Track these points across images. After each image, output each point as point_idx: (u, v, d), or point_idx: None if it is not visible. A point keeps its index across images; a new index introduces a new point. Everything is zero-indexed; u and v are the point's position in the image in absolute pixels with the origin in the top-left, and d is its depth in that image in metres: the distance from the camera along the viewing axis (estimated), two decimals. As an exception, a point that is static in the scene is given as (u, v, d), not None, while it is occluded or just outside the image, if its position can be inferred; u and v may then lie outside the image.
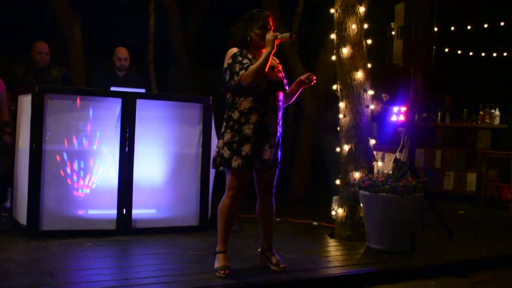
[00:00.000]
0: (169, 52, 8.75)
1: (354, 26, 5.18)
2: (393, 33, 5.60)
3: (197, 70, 8.89)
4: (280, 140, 4.07)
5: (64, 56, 7.69)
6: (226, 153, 3.89)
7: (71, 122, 4.93)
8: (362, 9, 5.23)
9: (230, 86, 3.92)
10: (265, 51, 3.85)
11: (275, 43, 3.85)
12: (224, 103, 4.04)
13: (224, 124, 3.98)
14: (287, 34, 3.85)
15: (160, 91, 7.21)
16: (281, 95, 4.05)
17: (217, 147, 3.97)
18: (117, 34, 8.31)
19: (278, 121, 4.01)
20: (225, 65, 3.94)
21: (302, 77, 4.03)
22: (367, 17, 5.34)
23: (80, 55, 7.52)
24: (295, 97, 4.16)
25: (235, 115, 3.91)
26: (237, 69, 3.84)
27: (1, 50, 7.99)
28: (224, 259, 3.95)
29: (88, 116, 4.98)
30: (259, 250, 4.25)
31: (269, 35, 3.88)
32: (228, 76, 3.91)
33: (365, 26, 5.32)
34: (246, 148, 3.86)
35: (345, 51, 5.20)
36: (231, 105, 3.96)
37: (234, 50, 3.96)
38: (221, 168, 3.96)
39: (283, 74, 4.13)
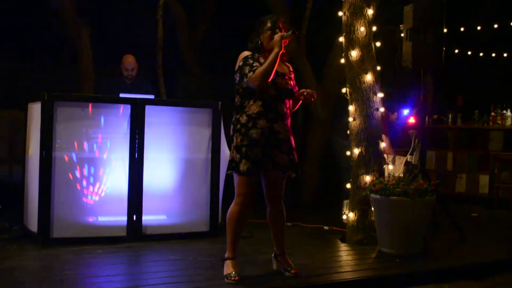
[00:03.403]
0: (178, 58, 8.76)
1: (362, 29, 5.15)
2: (402, 35, 5.57)
3: (206, 75, 8.89)
4: (294, 146, 4.02)
5: (73, 63, 7.75)
6: (236, 156, 3.88)
7: (80, 129, 4.93)
8: (370, 12, 5.20)
9: (240, 88, 3.92)
10: (272, 52, 3.85)
11: (282, 44, 3.86)
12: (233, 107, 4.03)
13: (232, 127, 3.97)
14: (289, 32, 3.87)
15: (169, 97, 7.22)
16: (290, 103, 4.04)
17: (231, 151, 3.96)
18: (126, 40, 8.35)
19: (288, 128, 3.98)
20: (236, 68, 3.94)
21: (305, 91, 3.98)
22: (375, 20, 5.31)
23: (89, 62, 7.53)
24: (295, 108, 4.13)
25: (243, 118, 3.89)
26: (246, 71, 3.84)
27: (10, 58, 8.06)
28: (234, 266, 3.93)
29: (97, 123, 4.98)
30: (273, 255, 4.23)
31: (276, 36, 3.89)
32: (238, 79, 3.91)
33: (374, 28, 5.29)
34: (255, 152, 3.84)
35: (354, 54, 5.17)
36: (240, 108, 3.94)
37: (246, 53, 3.97)
38: (229, 172, 3.96)
39: (294, 82, 4.10)
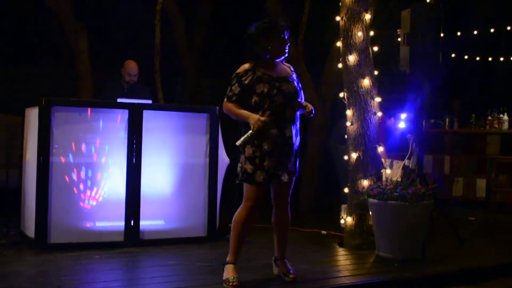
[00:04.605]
0: (176, 62, 8.76)
1: (360, 34, 5.16)
2: (399, 39, 5.58)
3: (204, 80, 8.89)
4: (299, 149, 4.06)
5: (71, 67, 7.73)
6: (249, 168, 3.85)
7: (77, 134, 4.92)
8: (368, 16, 5.21)
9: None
10: (245, 117, 3.80)
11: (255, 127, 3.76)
12: None
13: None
14: (254, 141, 3.81)
15: (167, 101, 7.21)
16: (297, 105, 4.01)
17: (240, 162, 3.92)
18: (125, 45, 8.34)
19: (296, 131, 4.01)
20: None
21: (306, 105, 3.99)
22: (373, 24, 5.32)
23: (87, 66, 7.52)
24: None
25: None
26: (227, 92, 3.89)
27: (8, 62, 8.04)
28: (233, 270, 3.92)
29: (95, 128, 4.98)
30: (273, 259, 4.23)
31: (257, 122, 3.75)
32: None
33: (371, 33, 5.30)
34: (268, 163, 3.83)
35: (352, 58, 5.17)
36: None
37: (246, 66, 3.93)
38: (239, 181, 3.93)
39: (297, 81, 4.07)
